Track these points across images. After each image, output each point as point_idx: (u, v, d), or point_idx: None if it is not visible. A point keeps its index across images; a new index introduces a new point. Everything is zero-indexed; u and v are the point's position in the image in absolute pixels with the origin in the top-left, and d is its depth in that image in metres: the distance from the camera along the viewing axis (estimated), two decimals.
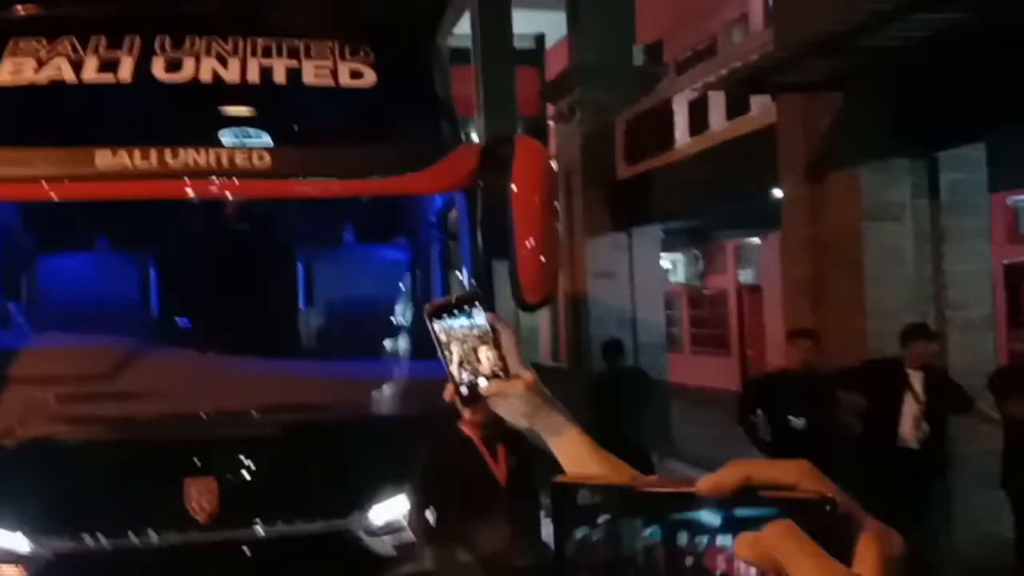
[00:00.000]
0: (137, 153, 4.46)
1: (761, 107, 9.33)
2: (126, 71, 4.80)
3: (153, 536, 4.12)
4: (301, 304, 5.69)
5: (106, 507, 4.18)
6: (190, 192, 4.55)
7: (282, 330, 5.61)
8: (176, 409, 4.48)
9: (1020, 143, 7.41)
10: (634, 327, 12.66)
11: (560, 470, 1.35)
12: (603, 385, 8.77)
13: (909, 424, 6.31)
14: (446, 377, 1.34)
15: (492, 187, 4.60)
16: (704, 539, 0.63)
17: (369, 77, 5.04)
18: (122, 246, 5.59)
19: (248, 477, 4.36)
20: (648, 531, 0.65)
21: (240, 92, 4.90)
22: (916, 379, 6.31)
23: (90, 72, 4.77)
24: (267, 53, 5.00)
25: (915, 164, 7.45)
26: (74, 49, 4.81)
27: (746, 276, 18.39)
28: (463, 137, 6.18)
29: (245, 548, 4.23)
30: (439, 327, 1.33)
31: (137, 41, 4.89)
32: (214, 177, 4.52)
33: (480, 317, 1.34)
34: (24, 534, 4.07)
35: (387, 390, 4.96)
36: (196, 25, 5.02)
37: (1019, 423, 5.86)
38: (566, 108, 13.39)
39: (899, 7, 5.94)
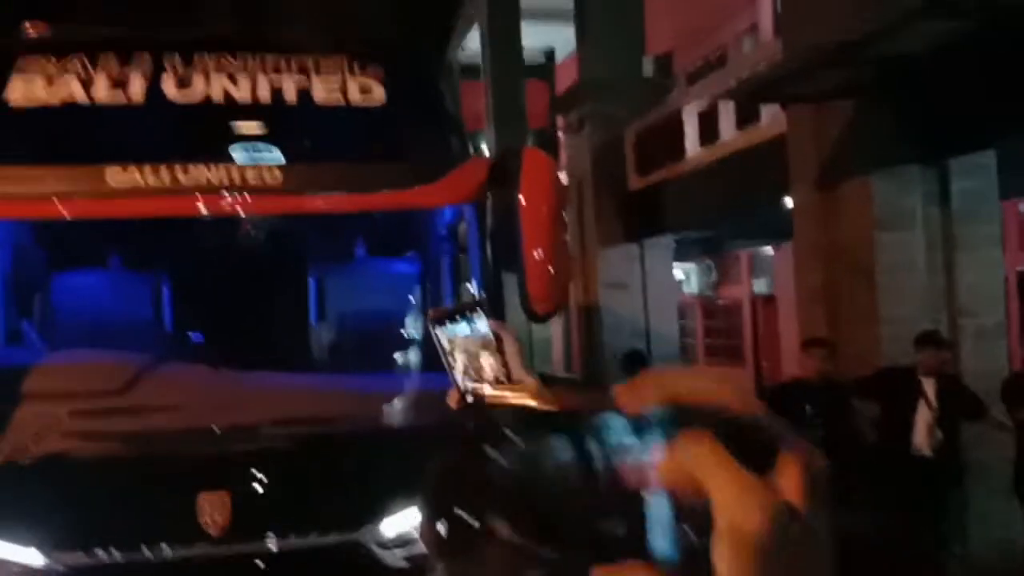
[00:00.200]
0: (148, 170, 4.50)
1: (771, 117, 9.33)
2: (136, 89, 4.85)
3: (166, 550, 4.14)
4: (312, 318, 5.72)
5: (119, 522, 4.19)
6: (201, 209, 4.58)
7: (293, 344, 5.64)
8: (189, 424, 4.50)
9: None
10: (647, 338, 12.65)
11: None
12: None
13: (923, 432, 6.28)
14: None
15: (501, 199, 4.62)
16: (625, 456, 0.59)
17: (379, 92, 5.07)
18: (134, 262, 5.63)
19: (260, 491, 4.37)
20: (566, 453, 0.61)
21: (250, 109, 4.94)
22: (929, 386, 6.30)
23: (100, 90, 4.82)
24: (277, 70, 5.04)
25: (926, 172, 7.44)
26: (84, 67, 4.86)
27: (760, 286, 18.32)
28: (473, 150, 6.21)
29: (258, 561, 4.24)
30: (442, 334, 1.35)
31: (147, 59, 4.94)
32: (225, 193, 4.55)
33: (482, 324, 1.36)
34: (39, 549, 4.08)
35: (399, 402, 4.97)
36: (206, 43, 5.06)
37: None
38: (576, 120, 13.43)
39: (907, 16, 5.94)
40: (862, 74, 7.00)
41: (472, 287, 5.03)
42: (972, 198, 7.46)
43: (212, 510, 4.20)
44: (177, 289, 5.56)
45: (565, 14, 15.09)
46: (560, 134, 17.12)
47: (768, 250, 17.13)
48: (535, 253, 4.39)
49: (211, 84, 4.91)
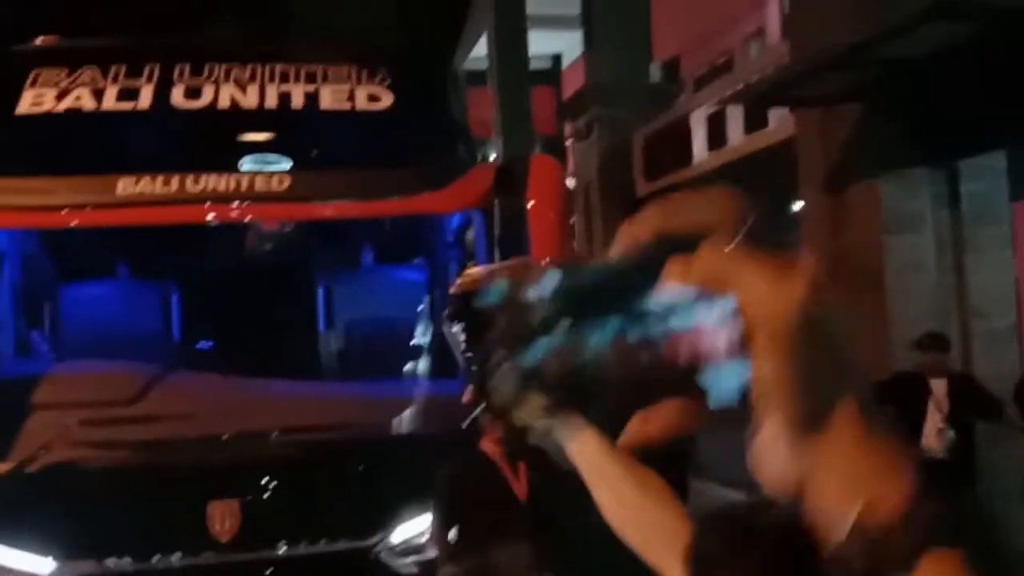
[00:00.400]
0: (158, 180, 4.51)
1: (779, 121, 9.31)
2: (146, 99, 4.87)
3: (176, 558, 4.14)
4: (321, 325, 5.73)
5: (130, 529, 4.20)
6: (211, 217, 4.59)
7: (302, 351, 5.64)
8: (199, 432, 4.51)
9: None
10: None
11: (581, 484, 1.36)
12: None
13: (932, 433, 6.25)
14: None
15: (508, 205, 4.63)
16: (658, 330, 0.60)
17: (386, 100, 5.09)
18: (143, 271, 5.65)
19: (270, 498, 4.37)
20: (596, 336, 0.62)
21: (259, 118, 4.95)
22: (938, 387, 6.27)
23: (111, 101, 4.84)
24: (285, 79, 5.05)
25: (935, 174, 7.41)
26: (94, 78, 4.89)
27: None
28: (480, 157, 6.21)
29: (268, 569, 4.24)
30: (458, 329, 1.35)
31: (157, 69, 4.96)
32: (235, 202, 4.56)
33: None
34: (50, 557, 4.10)
35: (408, 409, 4.97)
36: (215, 52, 5.08)
37: None
38: (583, 126, 13.42)
39: (913, 19, 5.93)
40: (869, 77, 6.98)
41: None
42: (982, 200, 7.43)
43: (222, 517, 4.21)
44: (186, 297, 5.58)
45: (572, 20, 15.10)
46: (568, 141, 17.13)
47: None
48: (542, 258, 4.40)
49: (220, 94, 4.93)
